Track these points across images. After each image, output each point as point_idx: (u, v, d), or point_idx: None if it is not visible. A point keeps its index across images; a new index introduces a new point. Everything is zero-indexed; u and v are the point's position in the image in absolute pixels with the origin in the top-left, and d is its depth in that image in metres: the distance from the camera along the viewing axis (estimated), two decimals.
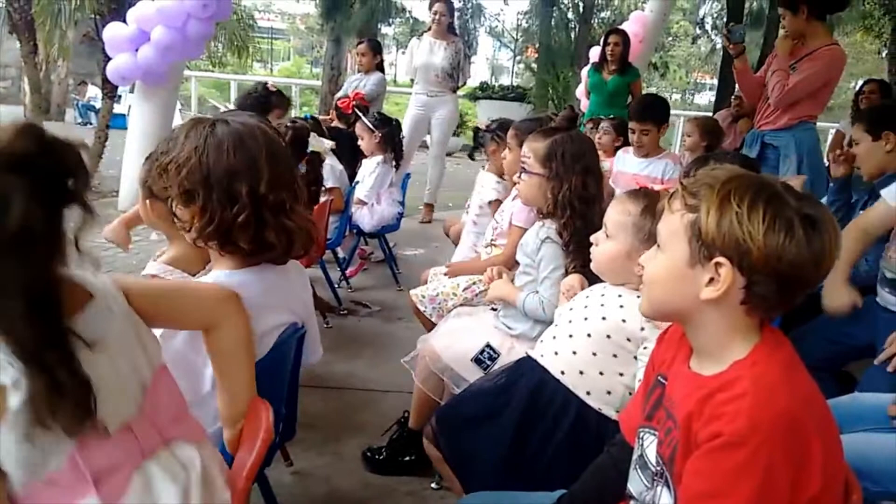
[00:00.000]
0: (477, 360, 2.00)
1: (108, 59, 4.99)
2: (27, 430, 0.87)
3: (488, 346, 2.02)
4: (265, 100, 3.64)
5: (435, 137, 6.17)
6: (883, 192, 2.32)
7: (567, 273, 1.92)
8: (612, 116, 4.71)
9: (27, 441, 0.88)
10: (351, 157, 4.26)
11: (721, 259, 0.96)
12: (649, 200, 1.57)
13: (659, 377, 1.16)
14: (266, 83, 3.91)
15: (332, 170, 3.72)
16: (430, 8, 5.88)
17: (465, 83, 6.23)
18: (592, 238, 1.70)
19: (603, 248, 1.65)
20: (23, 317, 0.84)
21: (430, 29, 5.92)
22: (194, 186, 1.28)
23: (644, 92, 6.22)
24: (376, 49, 5.63)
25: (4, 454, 0.88)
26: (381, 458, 2.26)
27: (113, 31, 4.88)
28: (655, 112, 3.59)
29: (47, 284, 0.87)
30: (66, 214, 0.88)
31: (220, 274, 1.35)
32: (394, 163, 4.26)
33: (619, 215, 1.62)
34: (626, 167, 3.64)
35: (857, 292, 2.14)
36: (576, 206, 1.99)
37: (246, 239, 1.30)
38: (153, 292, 1.14)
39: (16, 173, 0.80)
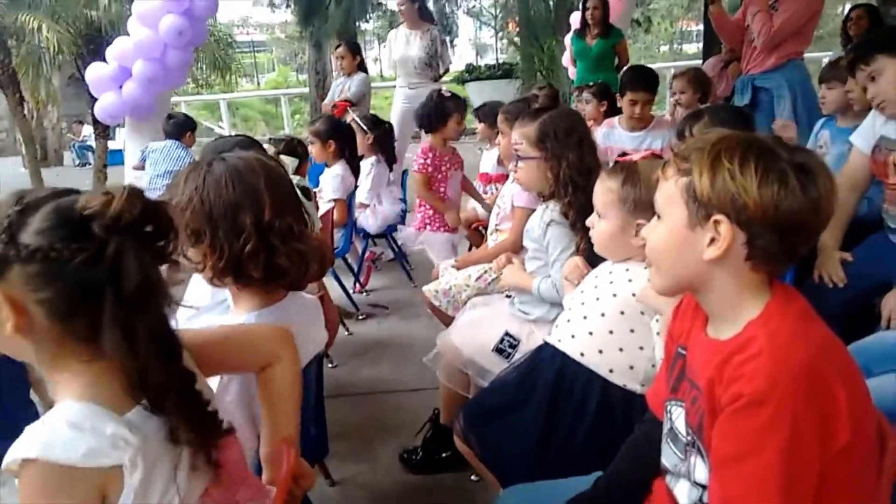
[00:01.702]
0: (498, 350, 2.01)
1: (95, 99, 5.01)
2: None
3: (507, 334, 2.03)
4: (442, 107, 3.59)
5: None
6: (852, 138, 2.29)
7: (578, 251, 1.92)
8: (592, 84, 4.65)
9: None
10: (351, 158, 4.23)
11: (719, 217, 0.96)
12: (627, 171, 1.58)
13: (679, 349, 1.16)
14: (440, 90, 3.82)
15: (342, 180, 3.71)
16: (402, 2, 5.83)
17: (446, 70, 6.09)
18: (588, 222, 1.70)
19: (598, 228, 1.66)
20: (156, 364, 0.88)
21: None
22: (200, 225, 1.29)
23: (629, 50, 6.16)
24: (355, 50, 5.59)
25: None
26: (418, 458, 2.28)
27: (95, 72, 4.89)
28: (651, 80, 3.50)
29: (170, 333, 0.93)
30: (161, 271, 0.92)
31: (250, 317, 1.34)
32: (387, 163, 4.25)
33: (603, 195, 1.63)
34: (619, 142, 3.52)
35: (844, 254, 2.18)
36: (577, 181, 1.99)
37: (257, 268, 1.30)
38: (212, 340, 1.15)
39: (126, 235, 0.85)
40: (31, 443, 0.83)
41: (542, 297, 2.02)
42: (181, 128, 4.90)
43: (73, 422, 0.84)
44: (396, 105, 5.96)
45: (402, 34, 5.76)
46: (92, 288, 0.83)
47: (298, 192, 2.84)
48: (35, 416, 2.73)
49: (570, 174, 2.00)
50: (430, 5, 14.92)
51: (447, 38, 6.13)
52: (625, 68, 5.00)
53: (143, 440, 0.88)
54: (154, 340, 0.88)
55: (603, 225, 1.64)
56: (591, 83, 4.68)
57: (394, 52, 5.76)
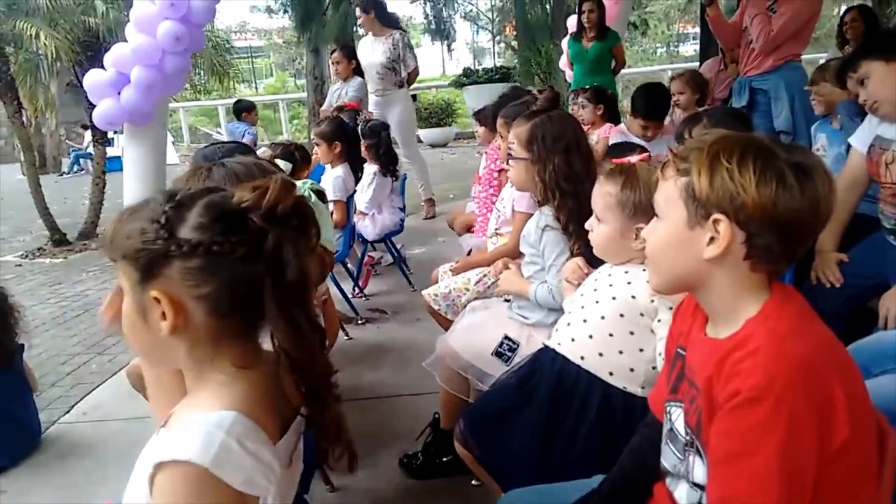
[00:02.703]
0: (497, 354, 2.00)
1: (93, 106, 5.00)
2: None
3: (507, 337, 2.02)
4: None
5: (399, 140, 6.05)
6: (851, 139, 2.30)
7: (573, 256, 1.92)
8: (587, 87, 4.65)
9: None
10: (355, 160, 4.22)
11: (718, 216, 0.97)
12: (626, 175, 1.58)
13: (678, 349, 1.17)
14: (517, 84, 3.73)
15: (342, 182, 3.71)
16: (365, 11, 5.84)
17: (412, 75, 6.03)
18: (587, 225, 1.70)
19: (597, 232, 1.66)
20: (320, 353, 0.90)
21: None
22: None
23: (627, 53, 6.18)
24: (351, 55, 5.60)
25: None
26: (419, 462, 2.27)
27: (93, 78, 4.87)
28: (663, 108, 3.54)
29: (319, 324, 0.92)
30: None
31: None
32: (390, 171, 4.23)
33: (602, 199, 1.63)
34: None
35: (841, 255, 2.20)
36: (563, 187, 1.99)
37: None
38: None
39: (283, 226, 0.85)
40: (199, 447, 0.79)
41: (538, 302, 2.02)
42: (241, 109, 7.76)
43: (240, 439, 0.81)
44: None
45: (368, 41, 5.82)
46: (252, 281, 0.83)
47: (314, 195, 2.86)
48: (37, 420, 2.73)
49: (556, 179, 1.99)
50: (428, 10, 15.02)
51: (412, 42, 6.09)
52: (637, 87, 4.99)
53: (283, 471, 0.87)
54: (315, 330, 0.88)
55: (602, 228, 1.64)
56: (586, 87, 4.69)
57: (361, 60, 5.77)
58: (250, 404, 0.86)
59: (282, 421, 0.91)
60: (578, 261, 1.84)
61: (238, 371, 0.88)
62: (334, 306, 3.03)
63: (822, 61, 4.95)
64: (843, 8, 5.94)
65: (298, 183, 2.85)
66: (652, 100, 3.63)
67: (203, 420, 0.82)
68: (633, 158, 1.57)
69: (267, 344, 0.93)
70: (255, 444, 0.82)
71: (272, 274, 0.84)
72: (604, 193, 1.62)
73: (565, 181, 1.98)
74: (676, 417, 1.13)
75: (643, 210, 1.42)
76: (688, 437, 1.09)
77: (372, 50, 5.77)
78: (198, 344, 0.87)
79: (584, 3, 5.50)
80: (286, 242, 0.84)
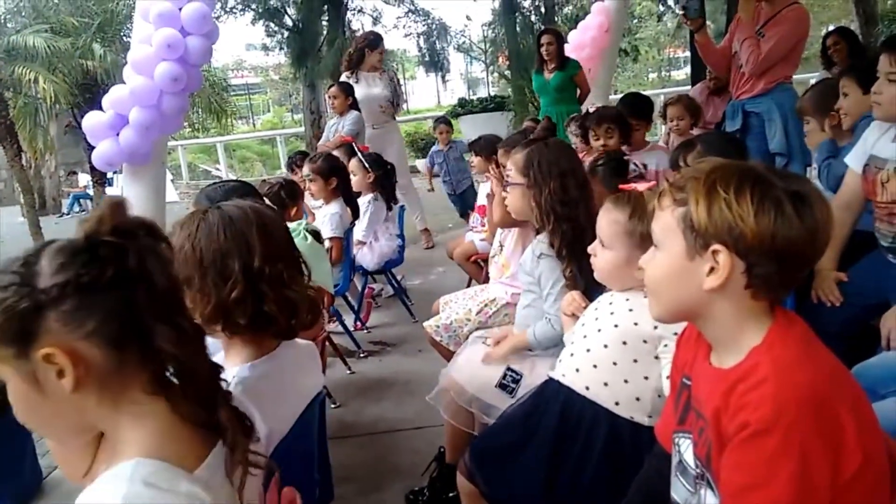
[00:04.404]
0: (501, 386, 1.99)
1: (92, 147, 5.03)
2: None
3: (509, 369, 2.01)
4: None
5: (397, 171, 6.17)
6: (846, 159, 2.32)
7: (566, 279, 1.93)
8: (573, 115, 4.75)
9: None
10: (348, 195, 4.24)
11: (717, 246, 0.97)
12: (635, 203, 1.58)
13: (684, 379, 1.16)
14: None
15: (340, 218, 3.72)
16: (372, 48, 5.99)
17: (401, 107, 6.42)
18: (590, 249, 1.70)
19: (602, 258, 1.66)
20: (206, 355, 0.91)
21: (358, 68, 6.02)
22: (190, 272, 1.28)
23: (619, 79, 6.32)
24: (347, 90, 5.66)
25: None
26: (425, 498, 2.24)
27: (92, 120, 4.91)
28: (642, 108, 3.63)
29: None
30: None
31: (244, 368, 1.31)
32: (386, 202, 4.27)
33: (609, 226, 1.63)
34: None
35: (840, 274, 2.20)
36: (558, 210, 2.00)
37: (244, 315, 1.28)
38: None
39: (138, 238, 0.86)
40: (108, 499, 0.79)
41: (539, 342, 2.01)
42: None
43: (148, 481, 0.81)
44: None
45: (361, 77, 5.92)
46: (130, 300, 0.83)
47: (311, 236, 2.82)
48: (38, 466, 2.70)
49: (552, 203, 2.01)
50: (422, 43, 15.24)
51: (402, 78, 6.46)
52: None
53: (214, 497, 0.86)
54: (197, 330, 0.90)
55: (608, 255, 1.64)
56: (562, 112, 4.80)
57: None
58: (160, 439, 0.86)
59: (204, 441, 0.91)
60: (575, 294, 1.84)
61: (151, 398, 0.87)
62: (326, 346, 3.00)
63: (812, 81, 5.01)
64: (830, 28, 6.03)
65: (293, 225, 2.75)
66: (628, 100, 3.80)
67: (107, 476, 0.82)
68: (641, 186, 1.57)
69: None
70: (167, 480, 0.82)
71: (144, 285, 0.84)
72: (611, 221, 1.62)
73: (560, 205, 1.99)
74: (685, 449, 1.12)
75: (650, 240, 1.43)
76: (698, 470, 1.08)
77: (369, 85, 5.89)
78: (104, 386, 0.85)
79: (543, 37, 5.69)
80: (147, 254, 0.85)
